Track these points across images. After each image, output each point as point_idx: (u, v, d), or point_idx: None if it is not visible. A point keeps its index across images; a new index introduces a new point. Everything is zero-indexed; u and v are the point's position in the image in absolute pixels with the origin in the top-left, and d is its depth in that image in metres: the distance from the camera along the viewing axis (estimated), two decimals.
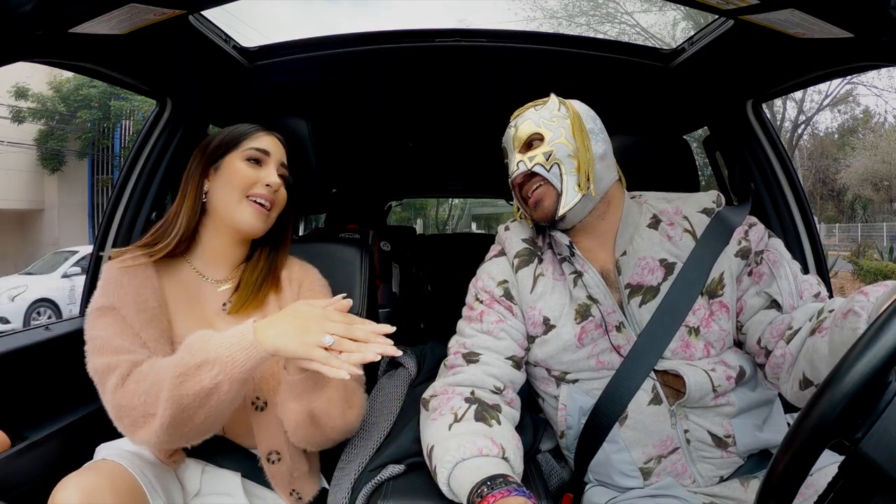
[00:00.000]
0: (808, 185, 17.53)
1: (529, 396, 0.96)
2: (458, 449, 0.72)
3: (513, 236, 0.95)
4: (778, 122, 13.66)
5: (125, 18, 0.82)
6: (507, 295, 0.90)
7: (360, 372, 0.66)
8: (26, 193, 12.32)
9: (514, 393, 0.87)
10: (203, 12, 1.03)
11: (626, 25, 13.52)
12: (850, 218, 19.40)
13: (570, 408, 0.86)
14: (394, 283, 2.16)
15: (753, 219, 0.89)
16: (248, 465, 0.88)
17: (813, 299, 0.80)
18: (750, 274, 0.84)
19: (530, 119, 0.88)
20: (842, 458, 0.43)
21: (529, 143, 0.87)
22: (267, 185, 0.89)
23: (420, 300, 2.65)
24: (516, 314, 0.89)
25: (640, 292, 0.85)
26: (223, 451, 0.87)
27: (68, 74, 10.64)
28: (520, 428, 0.85)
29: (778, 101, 13.56)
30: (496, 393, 0.83)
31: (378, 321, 0.75)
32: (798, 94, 13.94)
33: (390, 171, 2.70)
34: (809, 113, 15.48)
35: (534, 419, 0.97)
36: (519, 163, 0.87)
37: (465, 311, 0.93)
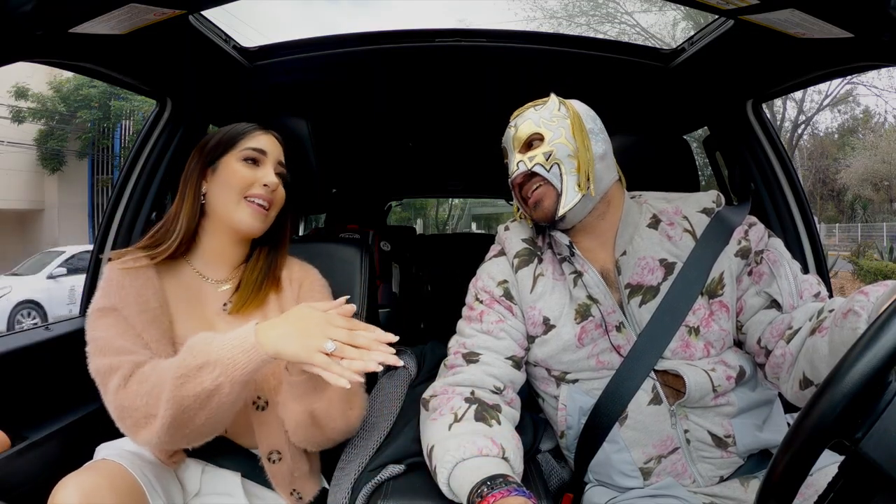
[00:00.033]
0: (808, 185, 17.53)
1: (529, 396, 0.96)
2: (458, 449, 0.72)
3: (512, 236, 0.95)
4: (778, 122, 13.66)
5: (125, 18, 0.82)
6: (507, 295, 0.90)
7: (361, 380, 0.66)
8: (26, 193, 12.33)
9: (514, 393, 0.87)
10: (203, 12, 1.03)
11: (626, 25, 13.53)
12: (850, 218, 19.41)
13: (570, 408, 0.86)
14: (394, 283, 2.16)
15: (753, 218, 0.89)
16: (249, 465, 0.88)
17: (813, 299, 0.80)
18: (750, 274, 0.84)
19: (530, 119, 0.88)
20: (842, 458, 0.43)
21: (529, 143, 0.87)
22: (265, 186, 0.88)
23: (420, 300, 2.65)
24: (516, 314, 0.89)
25: (640, 292, 0.85)
26: (223, 451, 0.87)
27: (68, 74, 10.65)
28: (520, 428, 0.85)
29: (778, 101, 13.56)
30: (496, 393, 0.83)
31: (378, 321, 0.75)
32: (798, 94, 13.95)
33: (390, 171, 2.70)
34: (809, 113, 15.50)
35: (534, 419, 0.97)
36: (519, 163, 0.87)
37: (465, 311, 0.93)
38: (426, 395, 0.85)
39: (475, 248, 1.27)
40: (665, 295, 0.83)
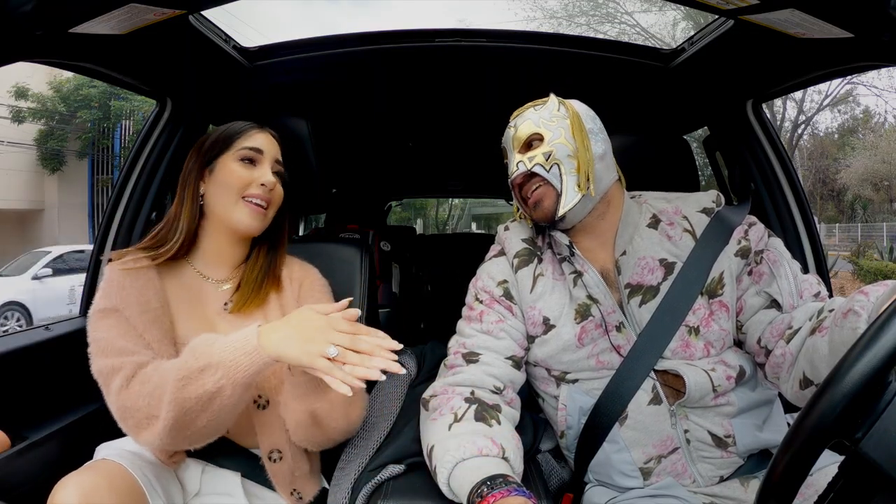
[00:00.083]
0: (808, 185, 17.53)
1: (529, 396, 0.96)
2: (458, 449, 0.72)
3: (512, 236, 0.95)
4: (778, 122, 13.66)
5: (125, 18, 0.82)
6: (507, 295, 0.90)
7: (363, 385, 0.66)
8: (26, 193, 12.32)
9: (514, 393, 0.87)
10: (203, 12, 1.03)
11: (626, 25, 13.53)
12: (850, 218, 19.41)
13: (570, 408, 0.86)
14: (394, 283, 2.16)
15: (753, 218, 0.89)
16: (249, 465, 0.88)
17: (813, 299, 0.80)
18: (750, 273, 0.84)
19: (530, 119, 0.88)
20: (842, 458, 0.43)
21: (529, 144, 0.87)
22: (262, 185, 0.88)
23: (420, 300, 2.65)
24: (516, 314, 0.89)
25: (639, 292, 0.85)
26: (224, 451, 0.87)
27: (68, 74, 10.65)
28: (520, 428, 0.85)
29: (778, 101, 13.56)
30: (496, 393, 0.83)
31: (378, 321, 0.75)
32: (798, 94, 13.95)
33: (390, 171, 2.70)
34: (809, 113, 15.50)
35: (534, 419, 0.97)
36: (518, 163, 0.87)
37: (464, 311, 0.93)
38: (426, 395, 0.85)
39: (475, 248, 1.27)
40: (665, 295, 0.83)
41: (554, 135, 0.85)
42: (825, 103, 15.52)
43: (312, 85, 1.49)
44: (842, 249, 14.82)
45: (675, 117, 1.59)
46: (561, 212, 0.84)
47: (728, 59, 1.14)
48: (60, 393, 1.02)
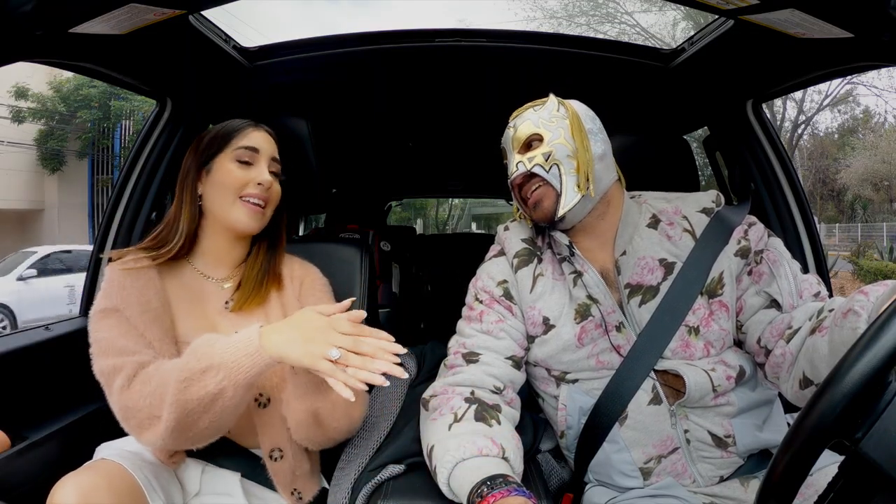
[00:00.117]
0: (808, 185, 17.53)
1: (529, 396, 0.96)
2: (458, 449, 0.72)
3: (512, 236, 0.95)
4: (778, 122, 13.66)
5: (125, 18, 0.82)
6: (507, 295, 0.90)
7: (365, 387, 0.65)
8: (26, 193, 12.32)
9: (514, 393, 0.87)
10: (203, 12, 1.03)
11: (626, 25, 13.53)
12: (850, 218, 19.41)
13: (569, 408, 0.86)
14: (394, 283, 2.16)
15: (753, 218, 0.89)
16: (249, 466, 0.88)
17: (813, 299, 0.80)
18: (750, 273, 0.84)
19: (529, 120, 0.88)
20: (842, 458, 0.43)
21: (528, 144, 0.87)
22: (259, 184, 0.88)
23: (420, 300, 2.65)
24: (516, 314, 0.89)
25: (639, 292, 0.85)
26: (224, 451, 0.87)
27: (68, 74, 10.65)
28: (520, 428, 0.85)
29: (778, 101, 13.56)
30: (496, 393, 0.83)
31: (378, 321, 0.74)
32: (798, 94, 13.95)
33: (390, 171, 2.70)
34: (809, 113, 15.50)
35: (534, 419, 0.97)
36: (518, 163, 0.87)
37: (464, 311, 0.93)
38: (426, 395, 0.85)
39: (475, 248, 1.27)
40: (665, 295, 0.83)
41: (553, 135, 0.85)
42: (825, 103, 15.54)
43: (312, 85, 1.49)
44: (842, 249, 14.82)
45: (675, 117, 1.59)
46: (560, 212, 0.84)
47: (728, 59, 1.14)
48: (60, 393, 1.02)
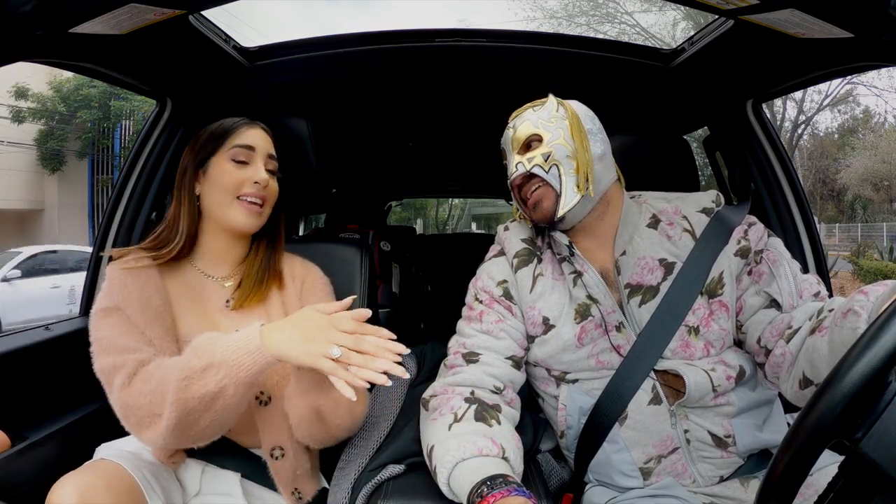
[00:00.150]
0: (808, 185, 17.53)
1: (529, 396, 0.96)
2: (458, 449, 0.72)
3: (512, 236, 0.95)
4: (778, 122, 13.66)
5: (125, 18, 0.82)
6: (507, 295, 0.90)
7: (367, 385, 0.65)
8: (26, 193, 12.33)
9: (514, 393, 0.87)
10: (203, 12, 1.03)
11: (626, 25, 13.53)
12: (850, 218, 19.41)
13: (569, 408, 0.86)
14: (394, 283, 2.16)
15: (753, 218, 0.89)
16: (249, 466, 0.88)
17: (812, 298, 0.80)
18: (749, 273, 0.84)
19: (529, 120, 0.88)
20: (842, 458, 0.43)
21: (528, 145, 0.87)
22: (255, 183, 0.88)
23: (420, 300, 2.65)
24: (516, 314, 0.89)
25: (639, 292, 0.85)
26: (224, 450, 0.87)
27: (68, 74, 10.65)
28: (520, 428, 0.85)
29: (778, 101, 13.56)
30: (496, 393, 0.83)
31: (378, 321, 0.74)
32: (798, 94, 13.95)
33: (390, 171, 2.70)
34: (809, 113, 15.50)
35: (534, 419, 0.97)
36: (518, 164, 0.87)
37: (464, 311, 0.93)
38: (426, 395, 0.85)
39: (475, 248, 1.27)
40: (665, 295, 0.83)
41: (553, 136, 0.85)
42: (825, 103, 15.55)
43: (312, 85, 1.49)
44: (842, 249, 14.82)
45: (675, 117, 1.59)
46: (560, 212, 0.84)
47: (728, 59, 1.14)
48: (60, 393, 1.02)
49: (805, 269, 0.98)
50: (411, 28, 1.29)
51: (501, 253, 0.95)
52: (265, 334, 0.69)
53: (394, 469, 0.81)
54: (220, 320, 0.87)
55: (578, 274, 0.86)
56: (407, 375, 0.67)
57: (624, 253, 0.88)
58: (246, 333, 0.70)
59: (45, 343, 1.04)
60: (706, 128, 1.55)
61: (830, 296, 0.84)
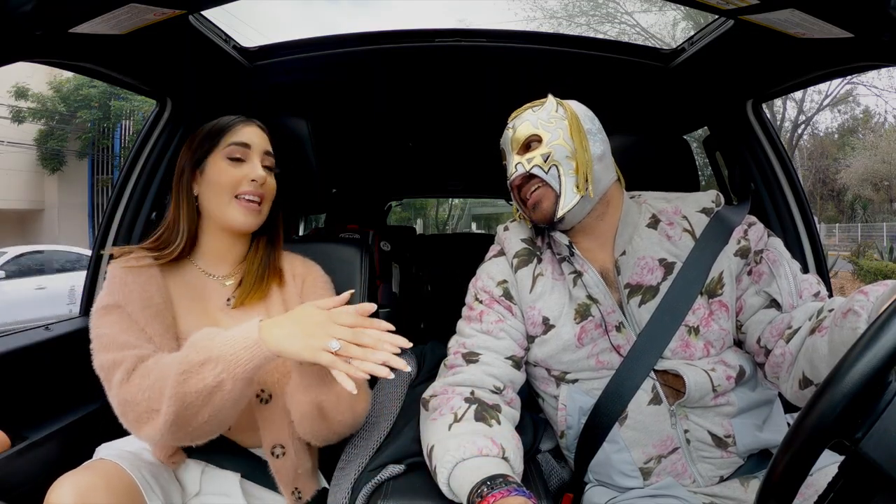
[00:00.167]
0: (808, 185, 17.54)
1: (529, 396, 0.96)
2: (458, 449, 0.72)
3: (512, 236, 0.95)
4: (778, 122, 13.66)
5: (125, 18, 0.82)
6: (507, 295, 0.90)
7: (367, 377, 0.65)
8: (26, 193, 12.33)
9: (514, 393, 0.87)
10: (203, 12, 1.03)
11: (626, 25, 13.53)
12: (850, 218, 19.41)
13: (569, 408, 0.86)
14: (394, 283, 2.16)
15: (753, 218, 0.89)
16: (249, 466, 0.88)
17: (812, 298, 0.80)
18: (749, 273, 0.84)
19: (528, 120, 0.88)
20: (842, 458, 0.43)
21: (527, 145, 0.87)
22: (252, 181, 0.88)
23: (420, 300, 2.65)
24: (516, 314, 0.89)
25: (639, 292, 0.85)
26: (224, 450, 0.87)
27: (68, 74, 10.65)
28: (520, 428, 0.85)
29: (778, 101, 13.56)
30: (496, 393, 0.83)
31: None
32: (798, 94, 13.95)
33: (390, 171, 2.70)
34: (809, 113, 15.50)
35: (534, 419, 0.97)
36: (517, 164, 0.87)
37: (464, 311, 0.93)
38: (426, 395, 0.85)
39: (475, 248, 1.27)
40: (665, 295, 0.83)
41: (552, 136, 0.85)
42: (825, 103, 15.55)
43: (312, 85, 1.49)
44: (842, 249, 14.82)
45: (675, 117, 1.59)
46: (560, 213, 0.84)
47: (728, 59, 1.14)
48: (60, 393, 1.02)
49: (805, 269, 0.98)
50: (411, 28, 1.29)
51: (501, 253, 0.95)
52: (264, 329, 0.69)
53: (394, 469, 0.81)
54: (222, 319, 0.88)
55: (578, 274, 0.86)
56: (408, 368, 0.67)
57: (624, 253, 0.88)
58: (244, 329, 0.70)
59: (45, 343, 1.04)
60: (706, 128, 1.55)
61: (830, 296, 0.84)
